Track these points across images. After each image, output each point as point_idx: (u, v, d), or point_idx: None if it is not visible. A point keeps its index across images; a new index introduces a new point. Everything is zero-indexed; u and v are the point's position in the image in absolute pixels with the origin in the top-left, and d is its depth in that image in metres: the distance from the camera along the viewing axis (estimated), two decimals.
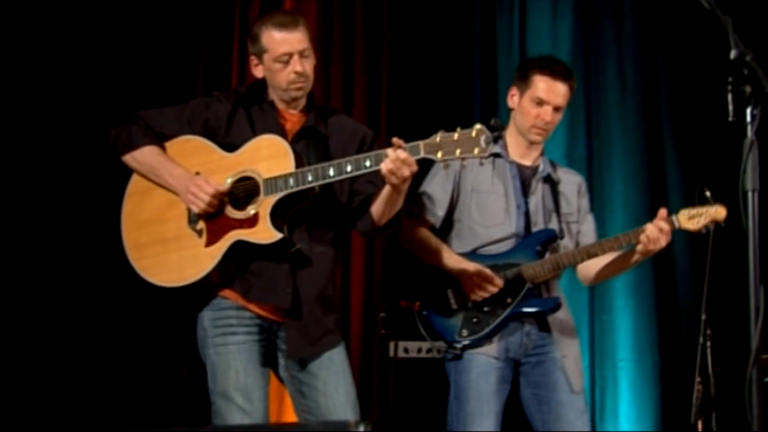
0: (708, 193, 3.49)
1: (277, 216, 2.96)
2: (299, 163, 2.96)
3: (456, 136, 2.80)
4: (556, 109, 3.41)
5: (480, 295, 3.36)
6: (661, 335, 5.26)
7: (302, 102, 3.16)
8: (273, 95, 3.15)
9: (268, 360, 3.09)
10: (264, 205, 2.95)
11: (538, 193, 3.47)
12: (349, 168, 2.90)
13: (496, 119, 2.83)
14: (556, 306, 3.37)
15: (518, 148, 3.50)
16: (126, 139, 3.09)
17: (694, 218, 3.23)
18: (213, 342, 3.04)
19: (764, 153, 2.26)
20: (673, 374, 5.11)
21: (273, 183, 2.94)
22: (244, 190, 3.01)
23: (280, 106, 3.15)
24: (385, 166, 2.84)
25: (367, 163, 2.89)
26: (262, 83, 3.18)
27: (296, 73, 3.06)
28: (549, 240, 3.40)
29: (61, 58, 4.61)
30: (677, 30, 5.37)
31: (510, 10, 5.52)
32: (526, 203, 3.45)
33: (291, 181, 2.93)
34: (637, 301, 5.29)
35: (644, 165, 5.37)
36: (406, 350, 4.50)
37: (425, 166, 2.91)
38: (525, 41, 5.49)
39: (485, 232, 3.43)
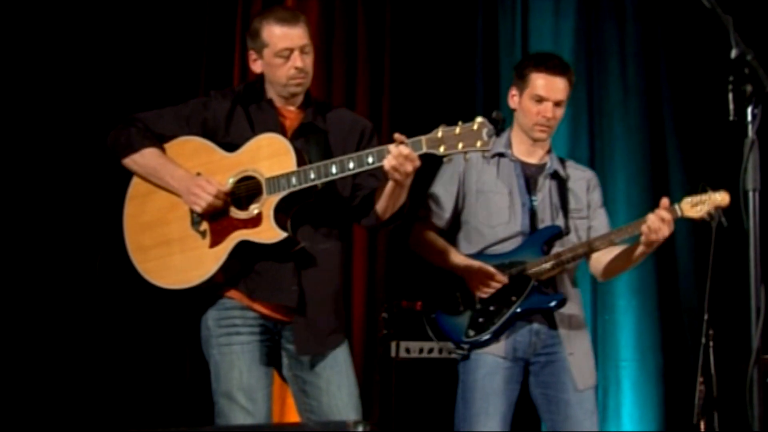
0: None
1: (281, 215, 2.96)
2: (300, 161, 2.96)
3: (458, 130, 2.80)
4: (557, 104, 3.41)
5: (485, 291, 3.37)
6: (664, 335, 5.25)
7: (300, 98, 3.15)
8: (271, 92, 3.15)
9: (271, 360, 3.10)
10: (267, 205, 2.95)
11: (545, 190, 3.46)
12: (351, 165, 2.90)
13: (498, 112, 2.83)
14: (561, 302, 3.36)
15: (523, 147, 3.50)
16: (125, 142, 3.09)
17: (697, 206, 3.20)
18: (217, 342, 3.04)
19: (765, 152, 2.25)
20: (676, 374, 5.10)
21: (275, 182, 2.94)
22: (246, 190, 3.01)
23: (278, 103, 3.14)
24: (387, 163, 2.83)
25: (370, 160, 2.89)
26: (259, 81, 3.17)
27: (296, 68, 3.06)
28: (554, 236, 3.40)
29: (61, 57, 4.60)
30: (680, 30, 5.37)
31: (512, 10, 5.52)
32: (531, 201, 3.45)
33: (293, 179, 2.92)
34: (640, 300, 5.29)
35: (647, 165, 5.37)
36: (407, 350, 4.49)
37: (427, 162, 2.90)
38: (527, 41, 5.48)
39: (491, 232, 3.44)
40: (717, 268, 3.93)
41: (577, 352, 3.40)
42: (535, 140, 3.47)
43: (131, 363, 4.55)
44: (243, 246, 2.97)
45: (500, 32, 5.49)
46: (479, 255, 3.43)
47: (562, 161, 3.56)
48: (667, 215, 3.18)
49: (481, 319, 3.39)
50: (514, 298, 3.37)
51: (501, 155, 3.48)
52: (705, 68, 5.07)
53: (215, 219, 3.01)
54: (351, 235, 4.97)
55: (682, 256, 5.28)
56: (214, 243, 3.00)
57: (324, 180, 2.93)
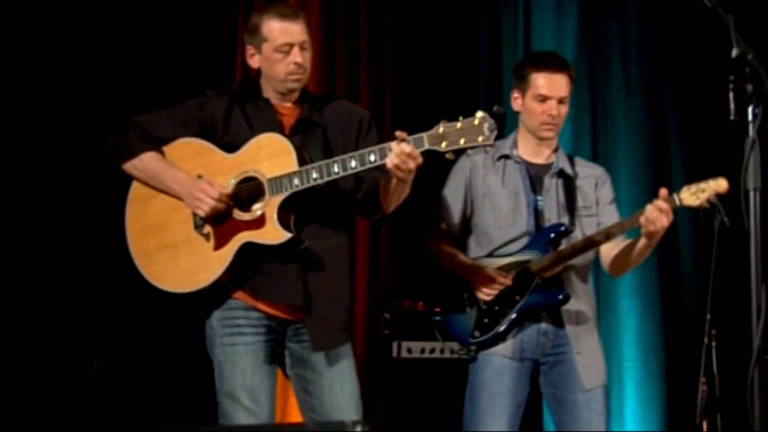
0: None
1: (284, 215, 2.95)
2: (301, 160, 2.95)
3: (459, 125, 2.79)
4: (561, 101, 3.41)
5: (488, 293, 3.38)
6: (667, 335, 5.25)
7: (296, 94, 3.14)
8: (267, 88, 3.13)
9: (275, 360, 3.09)
10: (270, 206, 2.94)
11: (552, 189, 3.46)
12: (353, 164, 2.89)
13: (499, 106, 2.81)
14: (564, 298, 3.35)
15: (529, 148, 3.50)
16: (124, 147, 3.08)
17: (695, 194, 3.16)
18: (221, 342, 3.04)
19: (766, 152, 2.24)
20: (679, 374, 5.09)
21: (278, 183, 2.93)
22: (248, 191, 3.00)
23: (275, 99, 3.13)
24: (390, 161, 2.83)
25: (372, 158, 2.88)
26: (254, 78, 3.16)
27: (296, 64, 3.04)
28: (559, 234, 3.39)
29: (62, 58, 4.60)
30: (682, 29, 5.36)
31: (515, 10, 5.52)
32: (536, 201, 3.44)
33: (296, 180, 2.92)
34: (643, 300, 5.28)
35: (649, 164, 5.36)
36: (409, 350, 4.49)
37: (430, 159, 2.89)
38: (529, 40, 5.48)
39: (498, 234, 3.44)
40: (719, 268, 3.92)
41: (584, 350, 3.38)
42: (543, 139, 3.46)
43: (133, 364, 4.56)
44: (247, 247, 2.96)
45: (503, 31, 5.49)
46: (488, 257, 3.45)
47: (571, 159, 3.55)
48: (664, 205, 3.15)
49: (486, 320, 3.40)
50: (517, 298, 3.37)
51: (506, 157, 3.49)
52: (707, 67, 5.06)
53: (218, 221, 3.00)
54: (354, 236, 4.96)
55: (685, 256, 5.28)
56: (219, 245, 2.99)
57: (326, 179, 2.92)
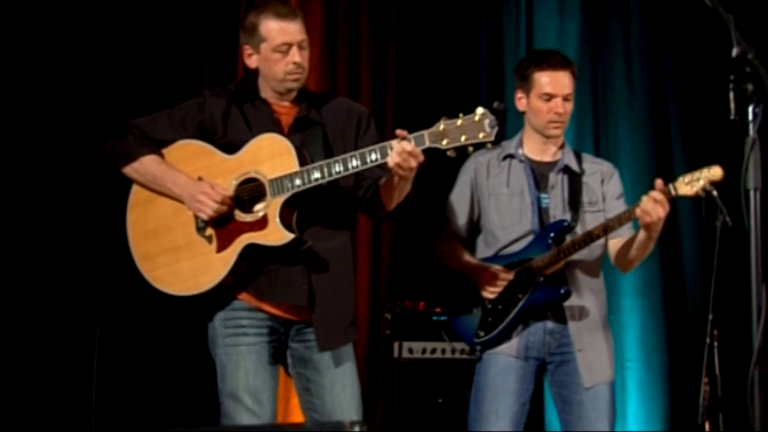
0: (715, 192, 3.46)
1: (286, 215, 2.94)
2: (302, 160, 2.94)
3: (459, 122, 2.79)
4: (566, 98, 3.41)
5: (491, 291, 3.39)
6: (669, 335, 5.24)
7: (294, 93, 3.13)
8: (265, 87, 3.12)
9: (278, 360, 3.09)
10: (272, 207, 2.93)
11: (558, 186, 3.46)
12: (354, 163, 2.89)
13: (499, 102, 2.81)
14: (566, 293, 3.34)
15: (535, 146, 3.50)
16: (123, 151, 3.07)
17: (690, 183, 3.15)
18: (223, 342, 3.04)
19: (766, 152, 2.24)
20: (681, 375, 5.09)
21: (279, 183, 2.93)
22: (250, 193, 2.99)
23: (273, 99, 3.12)
24: (391, 160, 2.82)
25: (373, 157, 2.88)
26: (251, 78, 3.15)
27: (294, 63, 3.04)
28: (561, 231, 3.38)
29: (63, 58, 4.60)
30: (685, 28, 5.35)
31: (517, 9, 5.51)
32: (539, 199, 3.45)
33: (297, 180, 2.91)
34: (645, 301, 5.27)
35: (652, 164, 5.35)
36: (410, 351, 4.48)
37: (432, 157, 2.88)
38: (532, 40, 5.47)
39: (504, 233, 3.45)
40: (722, 269, 3.91)
41: (587, 348, 3.37)
42: (550, 137, 3.47)
43: (135, 364, 4.56)
44: (250, 249, 2.96)
45: (505, 30, 5.48)
46: (495, 257, 3.46)
47: (578, 155, 3.55)
48: (659, 195, 3.14)
49: (489, 319, 3.40)
50: (520, 296, 3.37)
51: (511, 156, 3.50)
52: (710, 67, 5.05)
53: (220, 223, 3.00)
54: (355, 236, 4.96)
55: (688, 257, 5.27)
56: (221, 247, 2.99)
57: (328, 179, 2.91)
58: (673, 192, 3.16)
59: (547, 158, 3.50)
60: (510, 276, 3.38)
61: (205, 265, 3.00)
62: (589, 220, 3.41)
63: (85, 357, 4.50)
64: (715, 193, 3.33)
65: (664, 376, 5.18)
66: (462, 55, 5.41)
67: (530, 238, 3.42)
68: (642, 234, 3.26)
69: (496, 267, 3.39)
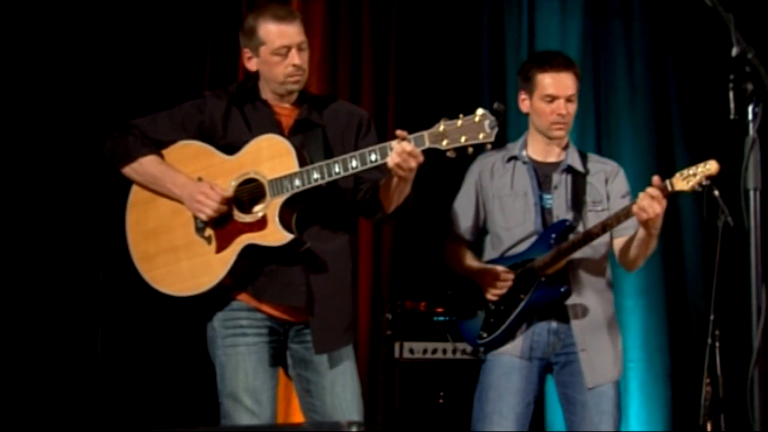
0: (716, 192, 3.46)
1: (286, 216, 2.94)
2: (302, 161, 2.94)
3: (459, 122, 2.79)
4: (569, 99, 3.41)
5: (494, 293, 3.40)
6: (672, 336, 5.23)
7: (295, 95, 3.13)
8: (266, 90, 3.12)
9: (277, 361, 3.09)
10: (271, 207, 2.93)
11: (561, 186, 3.46)
12: (354, 163, 2.88)
13: (499, 103, 2.80)
14: (566, 291, 3.35)
15: (539, 148, 3.50)
16: (123, 152, 3.07)
17: (686, 178, 3.14)
18: (222, 343, 3.04)
19: (766, 151, 2.23)
20: (684, 375, 5.08)
21: (278, 184, 2.93)
22: (249, 193, 2.99)
23: (273, 100, 3.12)
24: (391, 160, 2.82)
25: (373, 157, 2.87)
26: (252, 80, 3.15)
27: (294, 66, 3.03)
28: (563, 231, 3.38)
29: (64, 59, 4.61)
30: (687, 28, 5.34)
31: (518, 8, 5.50)
32: (543, 199, 3.45)
33: (297, 181, 2.91)
34: (647, 301, 5.26)
35: (654, 163, 5.33)
36: (411, 351, 4.48)
37: (432, 157, 2.88)
38: (533, 39, 5.47)
39: (508, 235, 3.46)
40: (724, 269, 3.90)
41: (590, 347, 3.36)
42: (554, 138, 3.47)
43: (136, 365, 4.56)
44: (250, 249, 2.96)
45: (506, 30, 5.48)
46: (500, 258, 3.47)
47: (583, 156, 3.55)
48: (655, 192, 3.13)
49: (492, 320, 3.41)
50: (522, 296, 3.38)
51: (515, 158, 3.50)
52: (712, 67, 5.04)
53: (220, 224, 3.00)
54: (356, 236, 4.96)
55: (690, 257, 5.26)
56: (221, 248, 2.99)
57: (327, 180, 2.91)
58: (669, 188, 3.16)
59: (552, 159, 3.50)
60: (511, 276, 3.38)
61: (204, 266, 3.00)
62: (593, 220, 3.40)
63: (85, 357, 4.52)
64: (716, 192, 3.33)
65: (666, 377, 5.17)
66: (463, 55, 5.41)
67: (534, 238, 3.42)
68: (641, 232, 3.25)
69: (499, 268, 3.40)
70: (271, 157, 2.96)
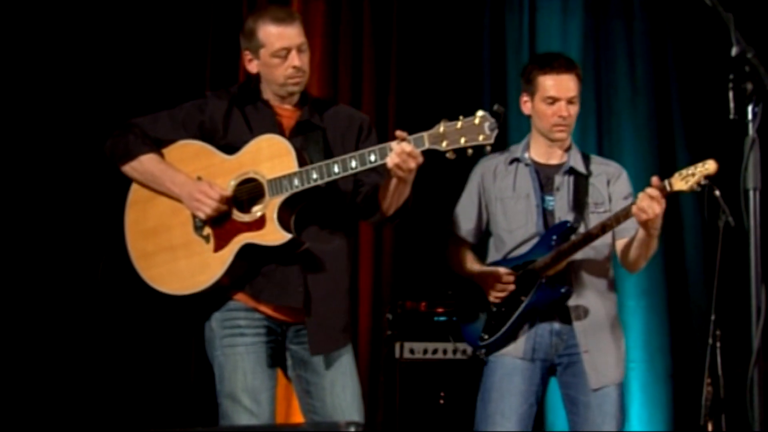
0: (717, 192, 3.46)
1: (284, 216, 2.94)
2: (301, 161, 2.94)
3: (459, 124, 2.78)
4: (570, 101, 3.40)
5: (497, 295, 3.41)
6: (673, 336, 5.23)
7: (296, 96, 3.13)
8: (267, 91, 3.13)
9: (276, 361, 3.09)
10: (270, 207, 2.93)
11: (563, 188, 3.46)
12: (353, 164, 2.88)
13: (499, 105, 2.80)
14: (567, 292, 3.34)
15: (541, 149, 3.50)
16: (123, 149, 3.07)
17: (685, 178, 3.14)
18: (221, 343, 3.03)
19: (766, 151, 2.23)
20: (685, 375, 5.07)
21: (278, 183, 2.93)
22: (248, 193, 2.99)
23: (275, 102, 3.12)
24: (391, 161, 2.82)
25: (372, 158, 2.87)
26: (253, 81, 3.15)
27: (294, 67, 3.03)
28: (564, 232, 3.38)
29: (64, 59, 4.61)
30: (688, 27, 5.34)
31: (519, 8, 5.50)
32: (544, 201, 3.45)
33: (296, 180, 2.91)
34: (649, 301, 5.26)
35: (655, 163, 5.33)
36: (411, 351, 4.48)
37: (432, 159, 2.88)
38: (534, 39, 5.46)
39: (510, 237, 3.46)
40: (724, 269, 3.90)
41: (592, 348, 3.36)
42: (556, 140, 3.47)
43: (136, 365, 4.56)
44: (248, 249, 2.96)
45: (507, 30, 5.47)
46: (502, 261, 3.47)
47: (586, 157, 3.55)
48: (654, 192, 3.13)
49: (493, 322, 3.42)
50: (522, 298, 3.38)
51: (518, 160, 3.51)
52: (714, 67, 5.03)
53: (218, 223, 3.00)
54: (357, 236, 4.96)
55: (691, 257, 5.26)
56: (219, 247, 2.99)
57: (326, 180, 2.91)
58: (668, 188, 3.15)
59: (554, 161, 3.50)
60: (512, 277, 3.38)
61: (201, 265, 2.99)
62: (595, 222, 3.39)
63: (84, 356, 4.52)
64: (717, 192, 3.33)
65: (667, 377, 5.16)
66: (464, 55, 5.41)
67: (535, 240, 3.42)
68: (641, 232, 3.25)
69: (501, 270, 3.40)
70: (270, 157, 2.96)
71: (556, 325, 3.38)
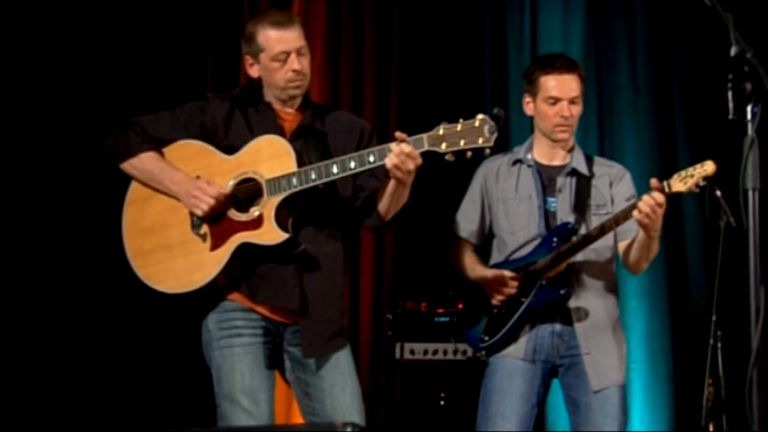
0: (719, 193, 3.45)
1: (282, 216, 2.94)
2: (300, 162, 2.94)
3: (459, 126, 2.79)
4: (572, 101, 3.41)
5: (499, 298, 3.42)
6: (674, 337, 5.22)
7: (298, 100, 3.14)
8: (269, 95, 3.13)
9: (274, 362, 3.08)
10: (268, 206, 2.94)
11: (566, 189, 3.46)
12: (352, 164, 2.89)
13: (499, 109, 2.81)
14: (566, 293, 3.34)
15: (544, 150, 3.51)
16: (123, 147, 3.08)
17: (684, 179, 3.13)
18: (218, 344, 3.03)
19: (765, 151, 2.23)
20: (686, 376, 5.06)
21: (276, 183, 2.93)
22: (246, 192, 2.99)
23: (276, 105, 3.13)
24: (389, 161, 2.82)
25: (371, 159, 2.87)
26: (256, 84, 3.16)
27: (294, 71, 3.04)
28: (565, 234, 3.38)
29: (64, 59, 4.61)
30: (690, 27, 5.33)
31: (521, 8, 5.49)
32: (546, 202, 3.45)
33: (294, 180, 2.91)
34: (650, 302, 5.25)
35: (657, 164, 5.33)
36: (412, 352, 4.48)
37: (431, 161, 2.88)
38: (536, 39, 5.46)
39: (512, 238, 3.47)
40: (725, 269, 3.89)
41: (594, 350, 3.36)
42: (558, 141, 3.47)
43: (136, 366, 4.56)
44: (244, 248, 2.96)
45: (508, 31, 5.47)
46: (505, 262, 3.47)
47: (589, 159, 3.55)
48: (660, 198, 3.13)
49: (493, 324, 3.42)
50: (522, 299, 3.38)
51: (520, 161, 3.51)
52: (715, 67, 5.02)
53: (215, 222, 3.00)
54: (358, 237, 4.97)
55: (692, 258, 5.25)
56: (215, 246, 2.99)
57: (325, 180, 2.91)
58: (667, 189, 3.15)
59: (557, 162, 3.50)
60: (516, 282, 3.39)
61: (198, 263, 2.99)
62: (596, 223, 3.39)
63: (84, 356, 4.52)
64: (718, 193, 3.32)
65: (668, 378, 5.16)
66: (466, 56, 5.40)
67: (537, 242, 3.43)
68: (642, 234, 3.25)
69: (506, 273, 3.40)
70: (270, 157, 2.96)
71: (558, 327, 3.39)
